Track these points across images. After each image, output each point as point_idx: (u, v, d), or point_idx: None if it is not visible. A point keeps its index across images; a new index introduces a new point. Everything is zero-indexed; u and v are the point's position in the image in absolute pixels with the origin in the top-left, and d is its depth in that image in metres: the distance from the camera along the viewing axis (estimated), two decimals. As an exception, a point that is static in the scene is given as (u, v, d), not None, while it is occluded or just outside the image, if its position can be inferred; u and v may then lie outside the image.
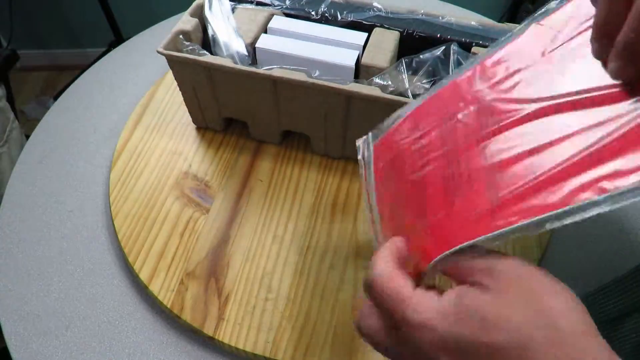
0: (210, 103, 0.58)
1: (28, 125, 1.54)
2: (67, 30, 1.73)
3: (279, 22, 0.57)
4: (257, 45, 0.54)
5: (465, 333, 0.23)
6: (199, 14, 0.56)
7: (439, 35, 0.53)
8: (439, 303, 0.25)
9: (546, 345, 0.21)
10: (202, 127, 0.63)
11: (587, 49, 0.26)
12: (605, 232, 0.55)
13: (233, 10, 0.58)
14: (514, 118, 0.27)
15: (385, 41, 0.53)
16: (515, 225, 0.24)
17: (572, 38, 0.28)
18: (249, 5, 0.59)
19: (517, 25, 0.45)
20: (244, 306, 0.47)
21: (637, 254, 0.53)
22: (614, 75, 0.25)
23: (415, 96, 0.49)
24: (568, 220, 0.24)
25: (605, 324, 0.40)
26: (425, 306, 0.25)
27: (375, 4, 0.57)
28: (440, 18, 0.55)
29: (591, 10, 0.27)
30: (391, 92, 0.48)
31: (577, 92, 0.26)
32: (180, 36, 0.54)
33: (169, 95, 0.67)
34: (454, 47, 0.51)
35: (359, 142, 0.37)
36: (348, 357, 0.44)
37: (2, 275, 0.52)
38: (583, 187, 0.24)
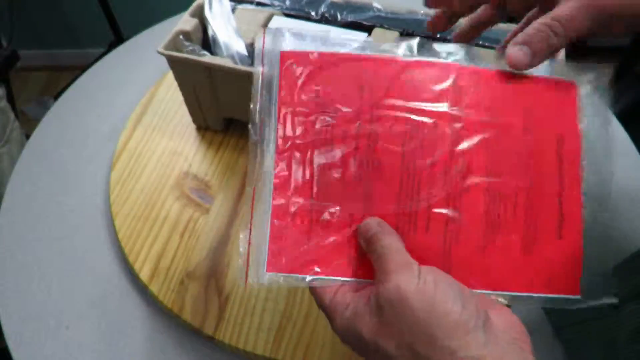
0: (210, 103, 0.58)
1: (28, 125, 1.54)
2: (67, 30, 1.73)
3: (279, 22, 0.57)
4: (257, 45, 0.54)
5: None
6: (199, 14, 0.56)
7: (438, 36, 0.53)
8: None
9: None
10: (202, 127, 0.63)
11: None
12: (604, 231, 0.55)
13: (233, 10, 0.58)
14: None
15: (385, 41, 0.53)
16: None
17: None
18: (249, 6, 0.59)
19: (516, 25, 0.45)
20: (244, 306, 0.47)
21: (633, 242, 0.53)
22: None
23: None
24: None
25: (604, 310, 0.41)
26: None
27: (375, 4, 0.57)
28: (440, 18, 0.55)
29: None
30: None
31: None
32: (181, 36, 0.54)
33: (169, 95, 0.67)
34: (454, 47, 0.51)
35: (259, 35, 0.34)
36: (348, 357, 0.44)
37: (2, 275, 0.52)
38: None
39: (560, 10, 0.29)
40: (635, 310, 0.38)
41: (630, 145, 0.64)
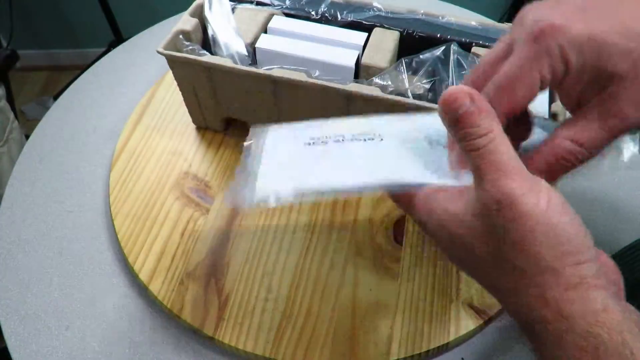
0: (210, 103, 0.58)
1: (28, 125, 1.54)
2: (67, 30, 1.73)
3: (279, 22, 0.57)
4: (257, 45, 0.54)
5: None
6: (199, 14, 0.56)
7: (439, 36, 0.53)
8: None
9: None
10: (202, 127, 0.63)
11: None
12: (604, 230, 0.55)
13: (233, 10, 0.58)
14: None
15: (385, 41, 0.53)
16: None
17: None
18: (249, 5, 0.59)
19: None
20: (244, 306, 0.47)
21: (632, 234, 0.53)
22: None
23: (415, 96, 0.49)
24: None
25: None
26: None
27: (375, 4, 0.57)
28: (440, 18, 0.55)
29: None
30: (391, 92, 0.48)
31: None
32: (180, 36, 0.54)
33: (169, 95, 0.67)
34: (454, 47, 0.51)
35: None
36: (348, 357, 0.44)
37: (2, 275, 0.52)
38: None
39: (586, 135, 0.26)
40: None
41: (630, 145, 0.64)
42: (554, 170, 0.27)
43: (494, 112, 0.24)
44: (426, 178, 0.28)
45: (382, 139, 0.33)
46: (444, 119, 0.25)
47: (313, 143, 0.34)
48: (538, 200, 0.22)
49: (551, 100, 0.48)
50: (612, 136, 0.26)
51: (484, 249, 0.23)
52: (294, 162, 0.33)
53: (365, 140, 0.33)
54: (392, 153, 0.31)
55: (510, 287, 0.23)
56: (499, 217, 0.22)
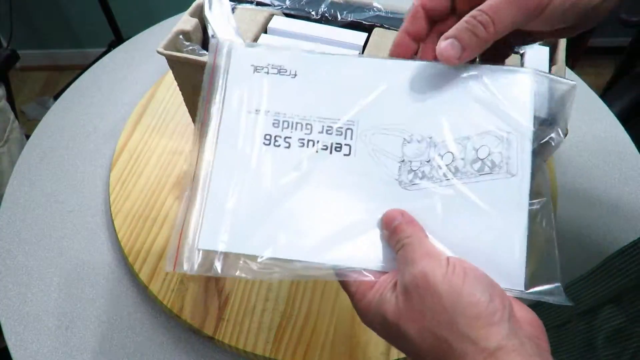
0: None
1: (28, 125, 1.54)
2: (67, 30, 1.73)
3: (279, 22, 0.57)
4: (257, 45, 0.54)
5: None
6: (199, 14, 0.56)
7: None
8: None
9: None
10: (202, 127, 0.63)
11: None
12: (603, 230, 0.55)
13: (233, 10, 0.58)
14: None
15: (385, 41, 0.53)
16: None
17: None
18: (249, 5, 0.59)
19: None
20: (244, 306, 0.47)
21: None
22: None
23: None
24: None
25: (583, 315, 0.41)
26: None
27: (375, 4, 0.57)
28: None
29: None
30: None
31: None
32: (180, 36, 0.54)
33: (169, 95, 0.67)
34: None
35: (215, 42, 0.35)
36: (348, 357, 0.44)
37: (2, 275, 0.52)
38: None
39: (486, 3, 0.29)
40: (612, 314, 0.38)
41: (631, 145, 0.64)
42: (463, 36, 0.29)
43: (416, 222, 0.30)
44: (369, 264, 0.30)
45: (352, 153, 0.31)
46: (385, 230, 0.30)
47: (272, 143, 0.32)
48: (445, 271, 0.26)
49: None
50: (514, 7, 0.29)
51: (414, 328, 0.26)
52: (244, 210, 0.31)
53: (332, 151, 0.31)
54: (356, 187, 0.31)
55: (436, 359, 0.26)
56: (417, 291, 0.26)
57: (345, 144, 0.31)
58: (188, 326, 0.47)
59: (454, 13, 0.32)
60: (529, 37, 0.33)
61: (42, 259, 0.53)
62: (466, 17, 0.29)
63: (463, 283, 0.25)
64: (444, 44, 0.30)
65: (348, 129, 0.31)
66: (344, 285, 0.30)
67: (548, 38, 0.33)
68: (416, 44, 0.33)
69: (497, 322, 0.24)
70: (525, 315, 0.27)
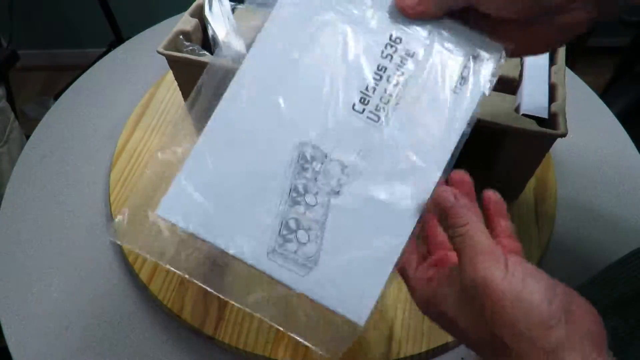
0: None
1: (28, 125, 1.53)
2: (67, 30, 1.73)
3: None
4: (257, 45, 0.54)
5: None
6: (199, 14, 0.56)
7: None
8: None
9: None
10: (202, 127, 0.63)
11: None
12: (603, 230, 0.55)
13: (233, 10, 0.58)
14: None
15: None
16: None
17: None
18: (249, 6, 0.59)
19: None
20: (244, 306, 0.47)
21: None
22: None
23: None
24: None
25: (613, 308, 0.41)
26: None
27: (375, 4, 0.57)
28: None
29: None
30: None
31: None
32: (180, 36, 0.54)
33: (169, 95, 0.67)
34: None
35: None
36: (348, 357, 0.44)
37: (2, 275, 0.52)
38: None
39: None
40: (613, 323, 0.38)
41: (631, 145, 0.64)
42: None
43: (473, 205, 0.29)
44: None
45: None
46: (435, 213, 0.30)
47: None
48: (505, 274, 0.26)
49: (551, 100, 0.48)
50: None
51: (472, 326, 0.27)
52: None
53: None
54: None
55: (492, 352, 0.26)
56: (476, 293, 0.26)
57: None
58: (188, 326, 0.47)
59: None
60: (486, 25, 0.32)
61: (42, 259, 0.53)
62: None
63: (522, 287, 0.25)
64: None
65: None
66: (401, 270, 0.31)
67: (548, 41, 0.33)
68: None
69: (555, 325, 0.25)
70: (583, 306, 0.27)
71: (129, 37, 0.81)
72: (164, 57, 0.52)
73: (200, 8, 0.57)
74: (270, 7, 0.33)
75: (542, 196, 0.56)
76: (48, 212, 0.57)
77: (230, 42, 0.54)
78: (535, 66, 0.51)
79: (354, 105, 0.30)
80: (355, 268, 0.29)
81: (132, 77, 0.72)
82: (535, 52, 0.35)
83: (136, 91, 0.69)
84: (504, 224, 0.31)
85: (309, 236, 0.30)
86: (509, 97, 0.50)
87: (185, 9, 0.56)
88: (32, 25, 1.70)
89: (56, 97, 0.96)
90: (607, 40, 1.52)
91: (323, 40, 0.31)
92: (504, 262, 0.26)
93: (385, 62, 0.30)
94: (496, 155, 0.48)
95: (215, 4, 0.57)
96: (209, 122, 0.32)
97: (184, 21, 0.55)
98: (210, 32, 0.55)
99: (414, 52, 0.31)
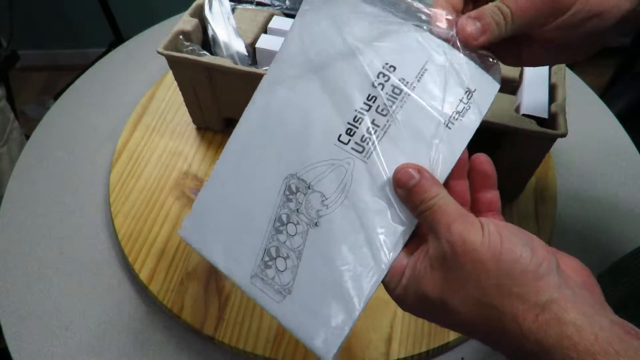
0: (210, 103, 0.58)
1: (28, 125, 1.54)
2: (67, 30, 1.73)
3: (279, 22, 0.57)
4: (257, 45, 0.54)
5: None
6: (199, 14, 0.57)
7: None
8: None
9: None
10: (202, 127, 0.63)
11: None
12: (603, 230, 0.55)
13: (233, 10, 0.58)
14: None
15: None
16: None
17: None
18: (249, 6, 0.59)
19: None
20: (244, 306, 0.47)
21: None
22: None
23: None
24: None
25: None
26: None
27: (375, 4, 0.57)
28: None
29: None
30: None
31: None
32: (180, 36, 0.54)
33: (169, 95, 0.67)
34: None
35: None
36: (348, 357, 0.44)
37: (2, 275, 0.52)
38: None
39: None
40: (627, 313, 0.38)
41: (631, 145, 0.64)
42: (485, 18, 0.30)
43: (438, 180, 0.28)
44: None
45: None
46: (397, 194, 0.28)
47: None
48: (482, 236, 0.24)
49: (551, 100, 0.48)
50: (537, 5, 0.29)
51: (458, 299, 0.25)
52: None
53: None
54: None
55: (487, 328, 0.24)
56: (455, 260, 0.25)
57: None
58: (188, 326, 0.47)
59: None
60: (532, 52, 0.33)
61: (42, 259, 0.53)
62: (490, 5, 0.30)
63: (501, 242, 0.24)
64: (467, 23, 0.30)
65: None
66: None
67: (547, 59, 0.34)
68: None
69: (544, 273, 0.23)
70: (571, 263, 0.26)
71: (129, 37, 0.81)
72: (164, 57, 0.52)
73: (200, 8, 0.57)
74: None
75: (542, 196, 0.56)
76: (48, 212, 0.57)
77: (230, 42, 0.55)
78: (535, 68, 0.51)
79: (339, 136, 0.30)
80: (326, 302, 0.29)
81: (132, 77, 0.72)
82: (567, 61, 0.36)
83: (136, 91, 0.69)
84: (491, 196, 0.29)
85: (286, 264, 0.30)
86: (509, 97, 0.50)
87: (185, 9, 0.56)
88: (32, 25, 1.70)
89: (56, 97, 0.96)
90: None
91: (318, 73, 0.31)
92: (479, 224, 0.25)
93: (376, 92, 0.29)
94: (496, 155, 0.48)
95: (215, 4, 0.57)
96: (223, 150, 0.35)
97: (184, 21, 0.55)
98: (210, 32, 0.55)
99: (407, 82, 0.29)
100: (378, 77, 0.29)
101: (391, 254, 0.29)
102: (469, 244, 0.24)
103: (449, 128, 0.29)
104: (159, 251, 0.51)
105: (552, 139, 0.46)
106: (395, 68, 0.29)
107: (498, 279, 0.23)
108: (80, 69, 0.94)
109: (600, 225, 0.56)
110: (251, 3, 0.59)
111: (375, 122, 0.29)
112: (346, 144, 0.30)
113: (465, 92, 0.29)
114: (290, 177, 0.31)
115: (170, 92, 0.67)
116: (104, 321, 0.48)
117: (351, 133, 0.30)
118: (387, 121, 0.29)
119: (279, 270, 0.30)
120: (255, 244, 0.31)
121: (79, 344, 0.47)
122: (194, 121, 0.62)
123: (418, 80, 0.29)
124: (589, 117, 0.67)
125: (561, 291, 0.23)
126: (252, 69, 0.50)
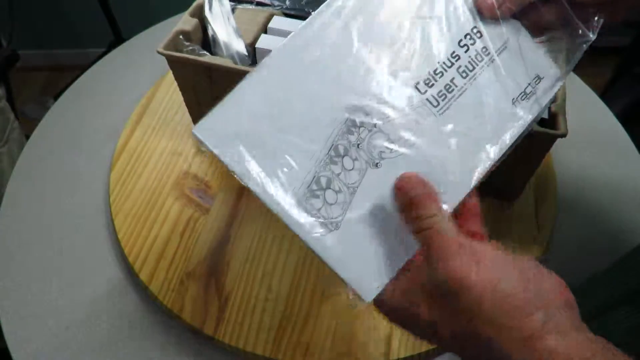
0: (210, 103, 0.57)
1: (28, 125, 1.53)
2: (67, 30, 1.73)
3: (279, 22, 0.57)
4: (257, 45, 0.54)
5: None
6: (199, 14, 0.56)
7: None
8: None
9: None
10: (202, 127, 0.63)
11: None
12: (603, 230, 0.55)
13: (233, 10, 0.58)
14: None
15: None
16: None
17: None
18: (249, 6, 0.59)
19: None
20: (244, 306, 0.47)
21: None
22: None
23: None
24: None
25: (596, 314, 0.41)
26: None
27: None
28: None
29: None
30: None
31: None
32: (180, 36, 0.54)
33: (169, 95, 0.67)
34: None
35: None
36: (348, 357, 0.44)
37: (2, 275, 0.52)
38: None
39: None
40: (628, 313, 0.38)
41: (631, 145, 0.64)
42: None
43: (438, 197, 0.28)
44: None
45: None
46: (396, 200, 0.28)
47: None
48: (477, 269, 0.25)
49: (551, 100, 0.48)
50: None
51: (450, 330, 0.26)
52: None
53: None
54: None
55: (476, 352, 0.26)
56: (452, 293, 0.25)
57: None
58: (188, 326, 0.47)
59: None
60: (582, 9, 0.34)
61: (42, 259, 0.53)
62: None
63: (496, 278, 0.25)
64: None
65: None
66: None
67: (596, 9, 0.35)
68: None
69: (534, 311, 0.24)
70: (551, 281, 0.26)
71: (129, 37, 0.81)
72: (164, 57, 0.52)
73: (200, 8, 0.57)
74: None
75: (542, 196, 0.56)
76: (48, 212, 0.57)
77: (230, 42, 0.55)
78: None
79: (417, 83, 0.30)
80: (375, 243, 0.29)
81: (132, 77, 0.72)
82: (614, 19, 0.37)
83: (136, 91, 0.68)
84: (471, 201, 0.30)
85: (337, 198, 0.29)
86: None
87: (185, 9, 0.56)
88: (32, 25, 1.70)
89: (56, 97, 0.96)
90: (607, 40, 1.52)
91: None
92: (474, 255, 0.26)
93: (461, 52, 0.30)
94: (496, 155, 0.48)
95: (215, 4, 0.56)
96: (286, 40, 0.31)
97: (184, 21, 0.55)
98: (210, 32, 0.55)
99: (489, 51, 0.31)
100: (465, 37, 0.31)
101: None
102: (465, 281, 0.25)
103: (514, 105, 0.31)
104: (159, 251, 0.51)
105: (552, 139, 0.46)
106: (482, 34, 0.31)
107: (492, 314, 0.25)
108: (80, 69, 0.94)
109: (601, 224, 0.56)
110: (251, 3, 0.59)
111: (453, 80, 0.30)
112: (422, 93, 0.30)
113: (535, 77, 0.31)
114: (354, 108, 0.29)
115: (170, 92, 0.67)
116: (104, 321, 0.48)
117: (429, 84, 0.30)
118: (464, 84, 0.31)
119: (327, 202, 0.29)
120: (303, 166, 0.28)
121: (79, 344, 0.47)
122: (194, 121, 0.62)
123: (499, 55, 0.31)
124: (589, 117, 0.67)
125: (546, 324, 0.24)
126: (252, 69, 0.50)
